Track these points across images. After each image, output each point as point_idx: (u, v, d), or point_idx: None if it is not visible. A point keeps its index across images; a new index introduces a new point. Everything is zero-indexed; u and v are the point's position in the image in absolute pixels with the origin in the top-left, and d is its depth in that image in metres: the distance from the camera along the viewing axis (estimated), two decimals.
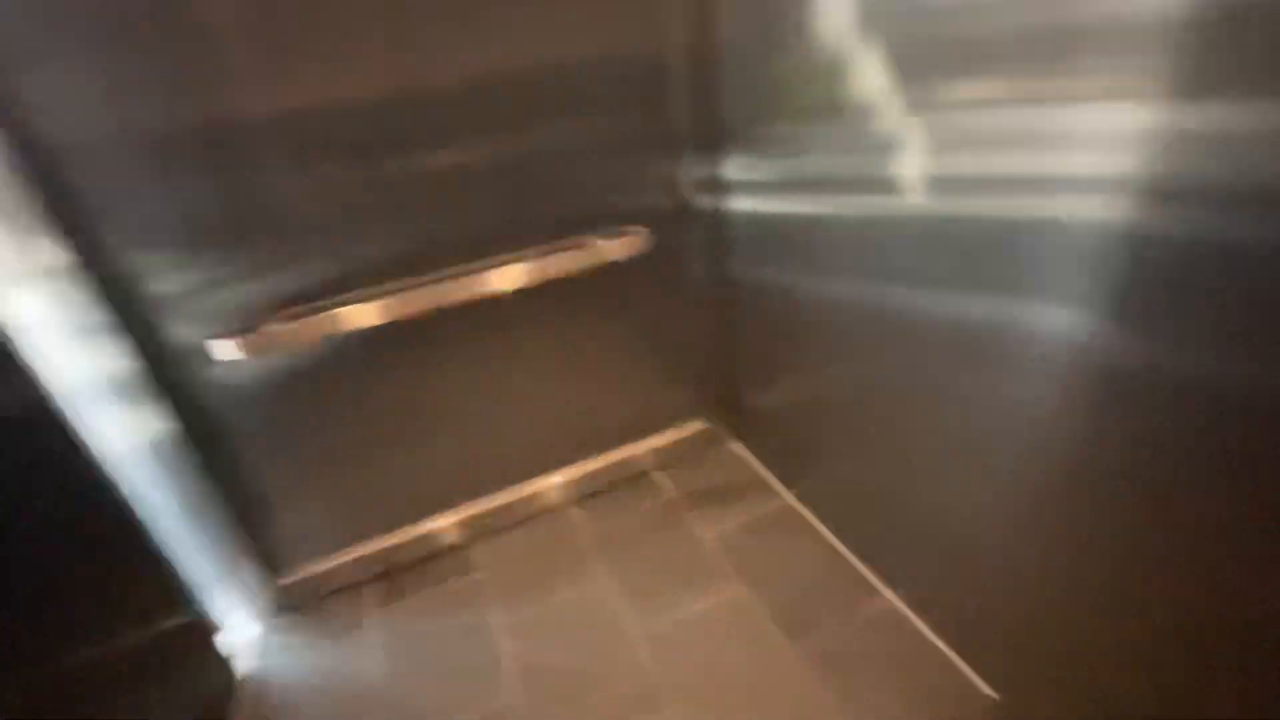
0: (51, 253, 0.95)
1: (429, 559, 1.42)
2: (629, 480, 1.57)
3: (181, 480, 1.16)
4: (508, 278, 1.20)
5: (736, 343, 1.48)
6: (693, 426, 1.61)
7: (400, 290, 1.14)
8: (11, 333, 0.87)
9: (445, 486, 1.41)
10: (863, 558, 1.27)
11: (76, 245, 0.96)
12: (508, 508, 1.47)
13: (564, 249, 1.23)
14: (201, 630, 1.19)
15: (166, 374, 1.08)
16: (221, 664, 1.21)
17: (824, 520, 1.37)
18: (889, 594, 1.20)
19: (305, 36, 0.97)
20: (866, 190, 0.94)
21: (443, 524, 1.42)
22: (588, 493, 1.54)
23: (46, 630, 0.79)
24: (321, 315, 1.10)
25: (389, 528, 1.39)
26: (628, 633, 1.19)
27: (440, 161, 1.12)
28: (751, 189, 1.23)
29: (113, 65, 0.89)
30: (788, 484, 1.49)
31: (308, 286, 1.11)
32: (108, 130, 0.92)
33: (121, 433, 1.06)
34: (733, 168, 1.25)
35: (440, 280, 1.16)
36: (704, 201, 1.34)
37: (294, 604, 1.35)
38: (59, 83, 0.88)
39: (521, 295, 1.23)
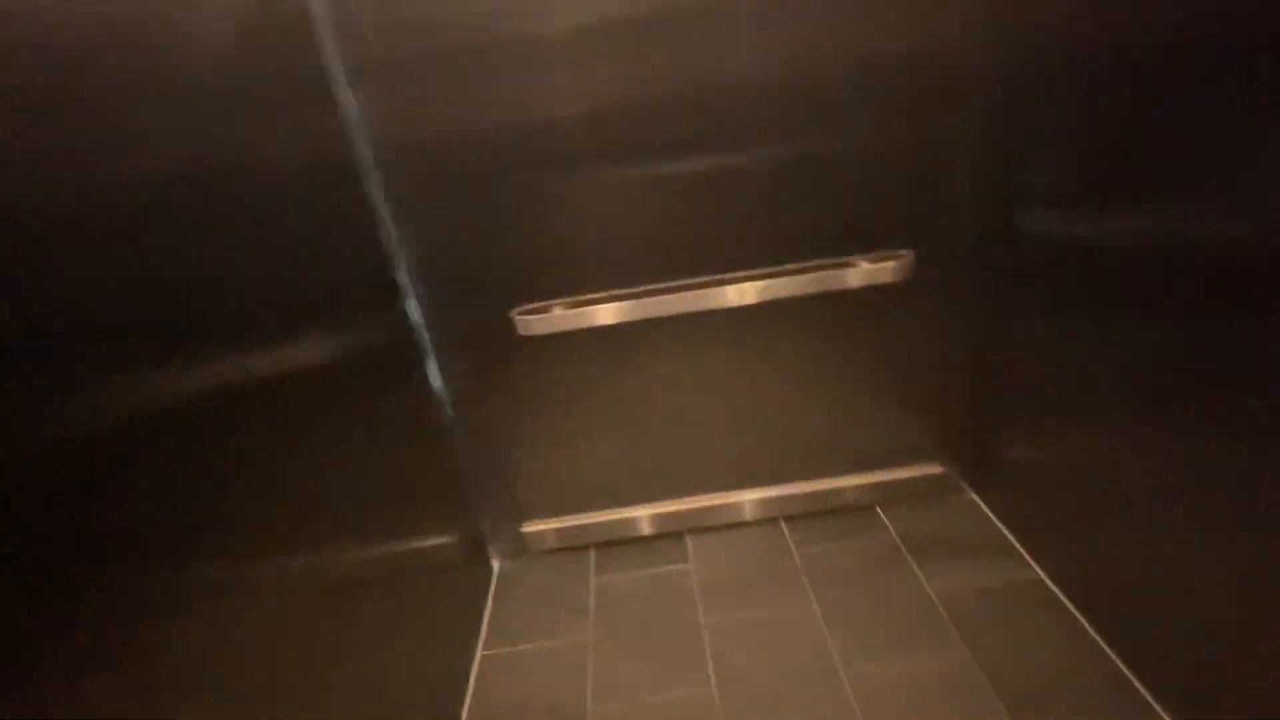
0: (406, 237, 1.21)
1: (647, 540, 1.52)
2: (849, 510, 1.51)
3: (467, 425, 1.39)
4: (760, 291, 1.24)
5: (993, 384, 1.34)
6: (927, 468, 1.50)
7: (659, 292, 1.24)
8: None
9: (670, 476, 1.49)
10: (1131, 664, 1.07)
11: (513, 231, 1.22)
12: (725, 509, 1.51)
13: (822, 267, 1.24)
14: (478, 544, 1.47)
15: (473, 338, 1.31)
16: (486, 572, 1.49)
17: (1081, 607, 1.18)
18: (1164, 715, 1.00)
19: (602, 40, 1.09)
20: (1220, 213, 0.79)
21: (663, 511, 1.51)
22: (804, 513, 1.51)
23: (396, 520, 1.02)
24: (590, 307, 1.24)
25: (617, 503, 1.51)
26: (833, 667, 1.15)
27: (712, 166, 1.18)
28: (1053, 209, 1.09)
29: (442, 78, 1.11)
30: (1036, 554, 1.31)
31: (587, 278, 1.26)
32: (436, 134, 1.14)
33: (436, 378, 1.32)
34: (1029, 184, 1.13)
35: (695, 287, 1.24)
36: (984, 224, 1.23)
37: (530, 549, 1.54)
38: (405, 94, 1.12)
39: (770, 306, 1.26)
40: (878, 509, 1.50)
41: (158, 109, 0.65)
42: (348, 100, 1.09)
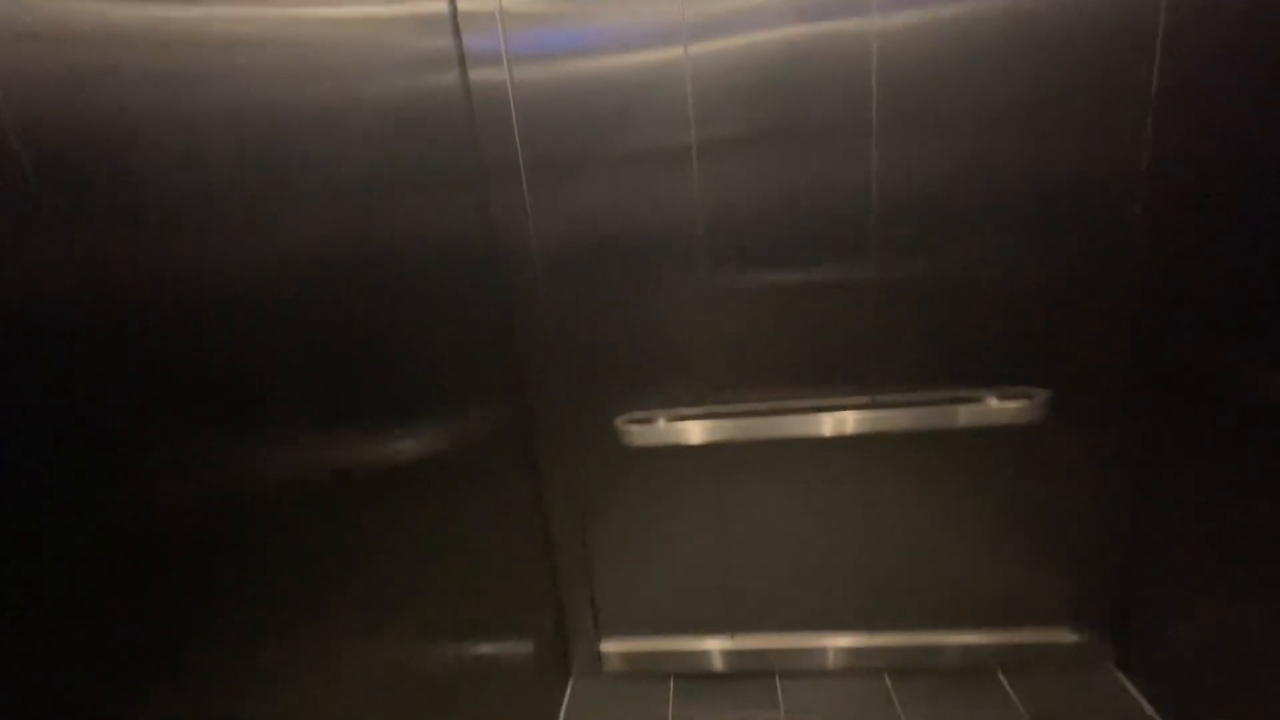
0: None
1: (733, 677, 1.40)
2: (967, 673, 1.34)
3: (561, 529, 1.37)
4: (866, 422, 1.18)
5: (1145, 546, 1.19)
6: (1058, 634, 1.32)
7: (767, 413, 1.21)
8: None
9: (765, 609, 1.39)
10: None
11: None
12: (821, 653, 1.38)
13: (941, 400, 1.17)
14: (555, 657, 1.41)
15: (577, 442, 1.31)
16: (560, 689, 1.42)
17: None
18: None
19: (729, 152, 1.11)
20: None
21: (755, 646, 1.40)
22: (912, 668, 1.36)
23: (482, 618, 1.00)
24: (693, 422, 1.22)
25: (703, 630, 1.42)
26: None
27: (829, 282, 1.15)
28: (1222, 355, 1.00)
29: (573, 183, 1.16)
30: None
31: (693, 390, 1.24)
32: (561, 234, 1.19)
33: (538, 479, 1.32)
34: (1194, 324, 1.05)
35: (802, 411, 1.20)
36: (1136, 365, 1.13)
37: (606, 669, 1.45)
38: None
39: (885, 436, 1.20)
40: (999, 674, 1.33)
41: (324, 188, 0.71)
42: (494, 196, 1.17)
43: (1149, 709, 1.22)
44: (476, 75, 1.11)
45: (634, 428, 1.23)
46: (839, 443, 1.23)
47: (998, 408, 1.15)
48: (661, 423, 1.23)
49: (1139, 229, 1.07)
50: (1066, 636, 1.31)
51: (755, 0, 1.05)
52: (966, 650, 1.33)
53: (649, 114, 1.11)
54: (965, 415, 1.16)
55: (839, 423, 1.18)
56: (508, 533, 1.19)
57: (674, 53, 1.08)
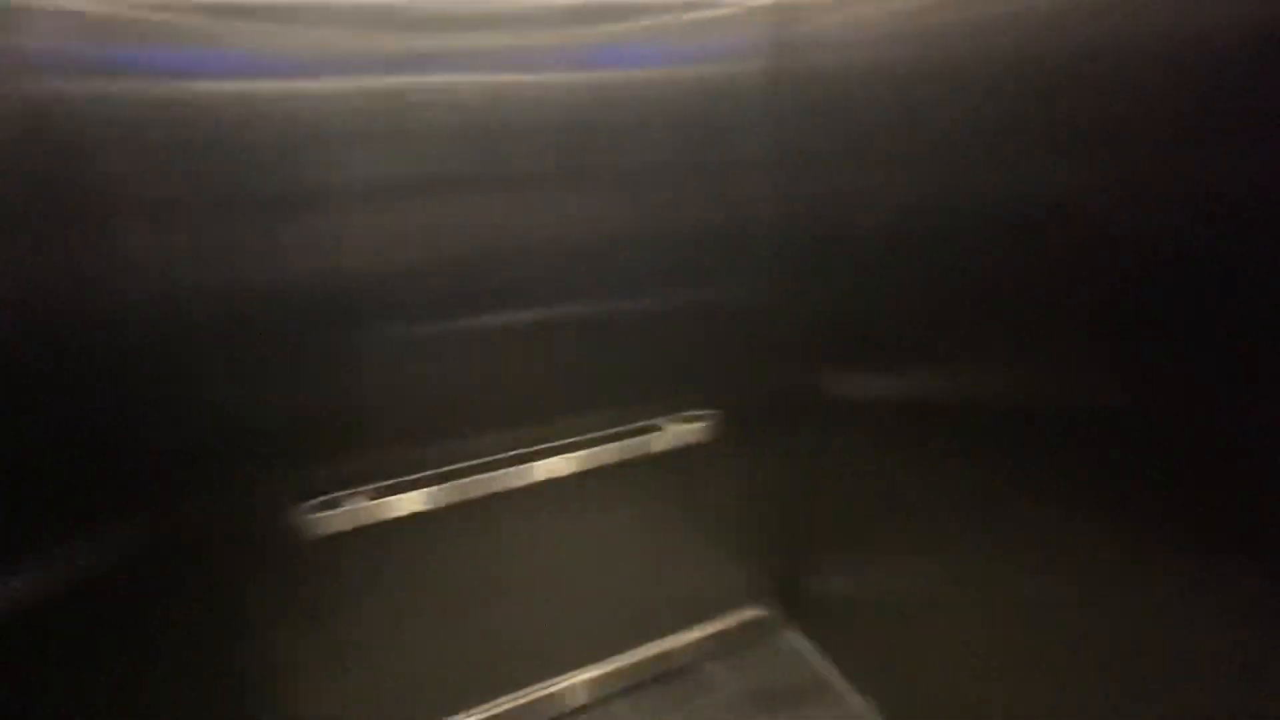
0: None
1: None
2: (680, 672, 1.47)
3: (249, 651, 1.13)
4: (571, 463, 1.22)
5: (808, 527, 1.44)
6: (748, 613, 1.53)
7: (468, 472, 1.16)
8: None
9: (503, 667, 1.34)
10: None
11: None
12: (562, 695, 1.38)
13: (631, 433, 1.26)
14: None
15: (253, 541, 1.09)
16: None
17: None
18: None
19: (399, 197, 1.03)
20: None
21: (503, 708, 1.34)
22: (634, 685, 1.44)
23: None
24: (393, 496, 1.11)
25: (447, 710, 1.32)
26: None
27: (514, 331, 1.15)
28: (844, 369, 1.24)
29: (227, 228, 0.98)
30: (863, 689, 1.36)
31: (386, 459, 1.13)
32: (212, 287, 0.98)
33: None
34: (823, 347, 1.27)
35: (506, 464, 1.18)
36: (786, 382, 1.36)
37: None
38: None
39: (587, 475, 1.25)
40: (708, 664, 1.48)
41: None
42: (124, 241, 0.90)
43: (822, 660, 1.47)
44: (66, 89, 0.82)
45: (325, 514, 1.07)
46: (549, 485, 1.24)
47: (681, 430, 1.29)
48: (357, 501, 1.10)
49: (779, 271, 1.30)
50: (753, 614, 1.53)
51: (442, 43, 0.99)
52: (676, 653, 1.47)
53: (323, 150, 0.97)
54: (655, 442, 1.27)
55: (545, 468, 1.20)
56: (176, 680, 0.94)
57: (353, 84, 0.96)
